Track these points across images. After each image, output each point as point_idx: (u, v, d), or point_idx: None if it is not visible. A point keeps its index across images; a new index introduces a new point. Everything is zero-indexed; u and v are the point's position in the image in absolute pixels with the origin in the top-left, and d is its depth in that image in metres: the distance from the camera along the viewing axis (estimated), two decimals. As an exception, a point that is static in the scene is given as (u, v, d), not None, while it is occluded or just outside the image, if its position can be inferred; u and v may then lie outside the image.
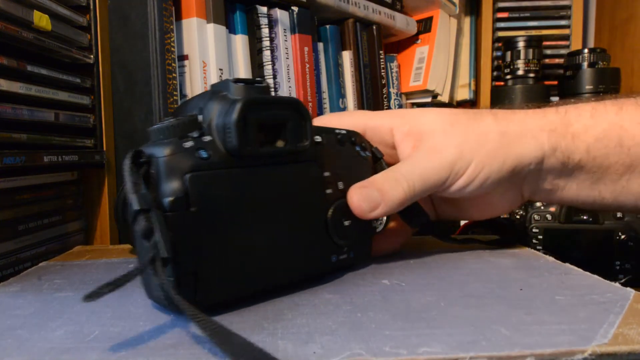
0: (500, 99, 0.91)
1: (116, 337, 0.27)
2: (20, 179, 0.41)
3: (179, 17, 0.59)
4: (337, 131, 0.38)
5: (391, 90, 0.93)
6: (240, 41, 0.64)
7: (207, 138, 0.30)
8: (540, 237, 0.61)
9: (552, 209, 0.61)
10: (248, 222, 0.31)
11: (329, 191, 0.36)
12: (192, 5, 0.59)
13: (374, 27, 0.85)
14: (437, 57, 0.97)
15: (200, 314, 0.26)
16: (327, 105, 0.76)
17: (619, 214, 0.60)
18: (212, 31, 0.60)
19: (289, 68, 0.68)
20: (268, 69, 0.66)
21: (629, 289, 0.33)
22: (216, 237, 0.30)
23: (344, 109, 0.79)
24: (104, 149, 0.55)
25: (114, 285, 0.27)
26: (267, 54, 0.66)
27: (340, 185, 0.37)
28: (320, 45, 0.76)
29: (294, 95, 0.69)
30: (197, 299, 0.28)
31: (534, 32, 0.99)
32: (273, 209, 0.32)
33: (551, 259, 0.43)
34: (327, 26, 0.78)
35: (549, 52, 0.99)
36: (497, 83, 0.99)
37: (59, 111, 0.48)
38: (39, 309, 0.31)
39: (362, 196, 0.36)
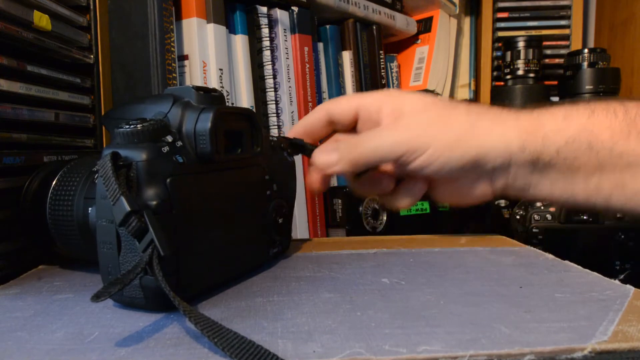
0: (500, 99, 0.91)
1: (116, 338, 0.27)
2: (21, 179, 0.41)
3: (179, 17, 0.59)
4: (270, 137, 0.43)
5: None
6: (240, 41, 0.64)
7: (179, 143, 0.32)
8: (540, 237, 0.61)
9: (552, 209, 0.61)
10: (215, 222, 0.34)
11: (268, 192, 0.40)
12: (192, 5, 0.59)
13: (374, 27, 0.85)
14: (437, 57, 0.97)
15: (198, 312, 0.26)
16: (327, 106, 0.76)
17: (618, 214, 0.60)
18: (212, 31, 0.60)
19: (289, 68, 0.68)
20: (268, 69, 0.66)
21: (628, 286, 0.33)
22: (192, 237, 0.32)
23: (344, 109, 0.78)
24: (104, 149, 0.54)
25: (120, 284, 0.27)
26: (267, 54, 0.66)
27: (275, 187, 0.41)
28: (320, 45, 0.76)
29: (294, 95, 0.69)
30: (180, 296, 0.29)
31: (534, 32, 0.99)
32: (232, 209, 0.36)
33: (551, 256, 0.43)
34: (327, 26, 0.78)
35: (549, 52, 0.99)
36: (497, 83, 0.99)
37: (59, 111, 0.48)
38: (38, 311, 0.31)
39: (324, 155, 0.43)
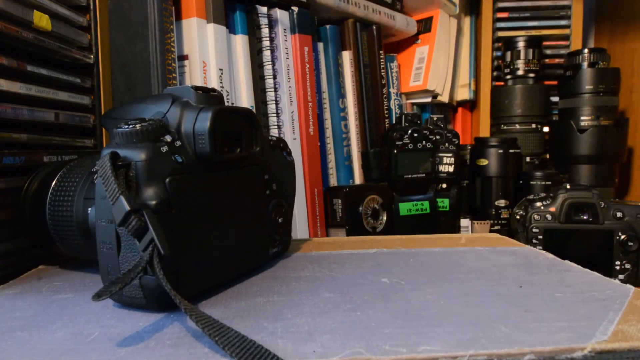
0: (500, 99, 0.91)
1: (116, 337, 0.27)
2: (21, 179, 0.41)
3: (179, 17, 0.59)
4: (269, 137, 0.43)
5: (391, 90, 0.93)
6: (240, 41, 0.64)
7: (178, 143, 0.32)
8: (540, 237, 0.61)
9: (552, 209, 0.61)
10: (214, 221, 0.34)
11: (267, 192, 0.40)
12: (192, 5, 0.59)
13: (374, 27, 0.85)
14: (437, 57, 0.97)
15: (199, 311, 0.26)
16: (327, 106, 0.76)
17: (618, 214, 0.60)
18: (212, 31, 0.60)
19: (289, 68, 0.68)
20: (268, 69, 0.66)
21: (628, 285, 0.33)
22: (191, 236, 0.32)
23: (344, 109, 0.79)
24: (104, 149, 0.54)
25: (121, 283, 0.27)
26: (267, 54, 0.66)
27: (274, 186, 0.41)
28: (320, 45, 0.76)
29: (294, 95, 0.69)
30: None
31: (534, 32, 0.99)
32: (231, 208, 0.36)
33: (551, 256, 0.43)
34: (327, 26, 0.78)
35: (549, 52, 0.99)
36: (497, 83, 0.99)
37: (59, 111, 0.48)
38: (39, 311, 0.31)
39: None
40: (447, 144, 0.76)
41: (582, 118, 0.85)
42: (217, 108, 0.33)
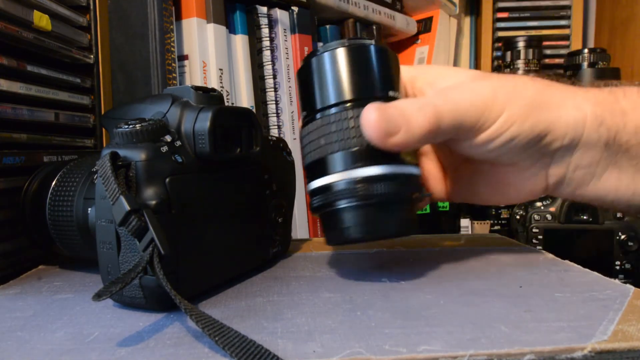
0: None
1: (116, 337, 0.27)
2: (21, 179, 0.41)
3: (179, 17, 0.59)
4: (269, 137, 0.43)
5: (391, 90, 0.93)
6: (240, 41, 0.64)
7: (178, 143, 0.32)
8: (540, 237, 0.61)
9: (552, 209, 0.61)
10: (214, 221, 0.34)
11: (267, 192, 0.40)
12: (192, 5, 0.59)
13: (374, 27, 0.85)
14: (437, 57, 0.97)
15: (200, 311, 0.26)
16: (327, 106, 0.76)
17: (618, 214, 0.60)
18: (212, 31, 0.60)
19: (289, 68, 0.68)
20: (268, 69, 0.66)
21: (628, 285, 0.33)
22: (191, 236, 0.32)
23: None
24: (104, 149, 0.54)
25: (121, 283, 0.27)
26: (267, 54, 0.66)
27: (274, 186, 0.41)
28: (320, 45, 0.76)
29: (294, 95, 0.69)
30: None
31: (534, 32, 0.99)
32: (231, 208, 0.36)
33: (551, 256, 0.43)
34: (327, 26, 0.78)
35: (549, 52, 0.99)
36: (497, 83, 0.99)
37: (59, 111, 0.48)
38: (38, 311, 0.31)
39: (381, 115, 0.30)
40: (447, 144, 0.76)
41: (582, 118, 0.85)
42: (217, 108, 0.33)
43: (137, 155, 0.29)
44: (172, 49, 0.56)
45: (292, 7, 0.69)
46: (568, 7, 1.00)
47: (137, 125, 0.30)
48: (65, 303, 0.33)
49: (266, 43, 0.66)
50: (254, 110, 0.65)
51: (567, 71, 0.89)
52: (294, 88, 0.69)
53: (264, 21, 0.66)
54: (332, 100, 0.32)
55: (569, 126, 0.32)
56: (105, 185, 0.28)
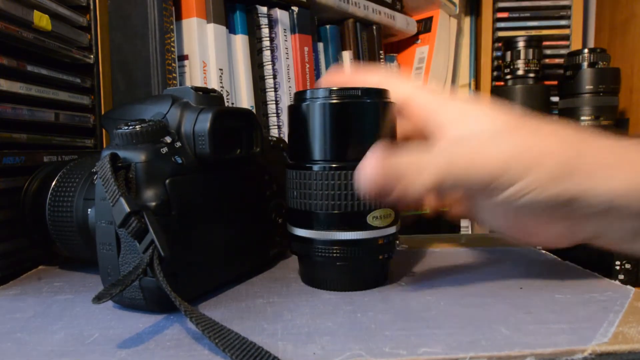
0: (500, 99, 0.91)
1: (116, 339, 0.27)
2: (21, 179, 0.41)
3: (179, 17, 0.59)
4: (270, 137, 0.43)
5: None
6: (240, 41, 0.64)
7: (178, 144, 0.32)
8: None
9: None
10: (214, 222, 0.34)
11: (268, 192, 0.40)
12: (192, 5, 0.59)
13: (374, 27, 0.85)
14: (437, 57, 0.97)
15: (199, 313, 0.26)
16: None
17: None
18: (212, 31, 0.60)
19: (289, 68, 0.68)
20: (268, 69, 0.66)
21: (628, 287, 0.33)
22: (191, 238, 0.32)
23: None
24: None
25: (121, 285, 0.27)
26: (267, 54, 0.66)
27: (275, 187, 0.41)
28: (320, 45, 0.76)
29: (294, 95, 0.69)
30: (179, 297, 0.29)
31: (534, 32, 0.99)
32: (232, 209, 0.36)
33: (551, 256, 0.43)
34: (327, 26, 0.78)
35: (549, 52, 0.99)
36: (497, 83, 0.99)
37: (59, 111, 0.48)
38: (39, 312, 0.31)
39: (379, 171, 0.29)
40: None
41: (582, 118, 0.85)
42: (217, 109, 0.33)
43: (137, 157, 0.29)
44: (172, 49, 0.56)
45: (292, 7, 0.69)
46: (568, 7, 1.00)
47: (137, 127, 0.30)
48: (66, 304, 0.33)
49: (266, 43, 0.66)
50: (254, 110, 0.65)
51: (567, 71, 0.89)
52: (294, 88, 0.69)
53: (264, 21, 0.66)
54: (318, 156, 0.33)
55: (602, 196, 0.29)
56: (105, 186, 0.28)
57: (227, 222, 0.35)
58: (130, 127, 0.30)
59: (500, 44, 0.98)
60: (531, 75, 0.90)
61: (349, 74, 0.39)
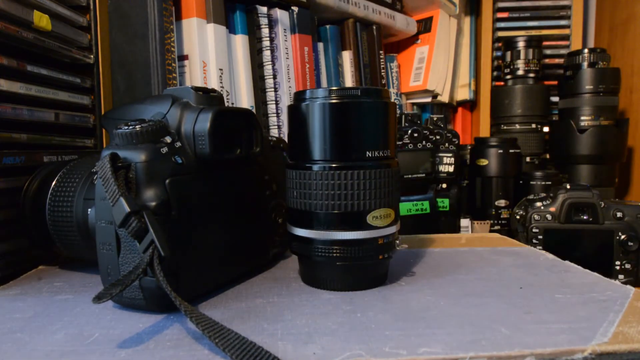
0: (500, 99, 0.91)
1: (116, 339, 0.27)
2: (21, 179, 0.41)
3: (179, 17, 0.59)
4: (270, 137, 0.43)
5: (391, 90, 0.93)
6: (240, 41, 0.64)
7: (178, 144, 0.32)
8: (540, 237, 0.61)
9: (552, 209, 0.61)
10: (214, 222, 0.34)
11: (268, 192, 0.40)
12: (192, 5, 0.59)
13: (374, 27, 0.85)
14: (437, 57, 0.97)
15: (200, 313, 0.26)
16: (327, 105, 0.76)
17: (618, 214, 0.60)
18: (212, 31, 0.60)
19: (289, 68, 0.68)
20: (268, 69, 0.66)
21: (628, 286, 0.33)
22: (191, 238, 0.32)
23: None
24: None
25: (121, 285, 0.27)
26: (267, 54, 0.66)
27: (275, 186, 0.41)
28: (320, 45, 0.76)
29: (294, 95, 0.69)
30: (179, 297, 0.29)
31: (534, 32, 0.99)
32: (232, 209, 0.36)
33: (551, 256, 0.43)
34: (327, 26, 0.78)
35: (549, 52, 0.99)
36: (497, 83, 0.99)
37: (59, 111, 0.48)
38: (39, 312, 0.31)
39: None
40: (447, 144, 0.76)
41: (582, 118, 0.85)
42: (217, 109, 0.33)
43: (137, 157, 0.29)
44: (172, 49, 0.56)
45: (292, 7, 0.69)
46: (568, 7, 1.00)
47: (137, 127, 0.30)
48: (66, 304, 0.33)
49: (266, 43, 0.66)
50: (254, 110, 0.65)
51: (567, 71, 0.89)
52: (294, 88, 0.69)
53: (264, 21, 0.66)
54: (318, 156, 0.33)
55: None
56: (105, 186, 0.28)
57: (227, 222, 0.35)
58: (130, 127, 0.30)
59: (500, 44, 0.98)
60: (531, 75, 0.90)
61: None
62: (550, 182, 0.76)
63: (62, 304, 0.33)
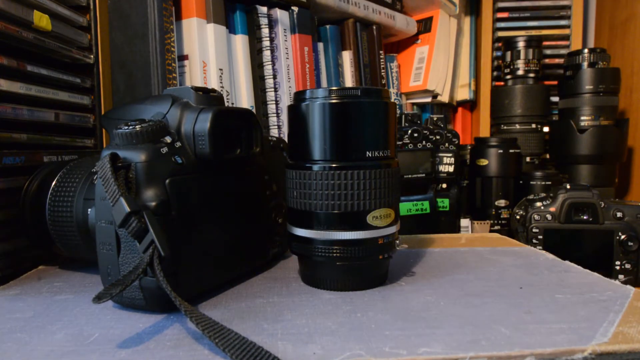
0: (500, 99, 0.91)
1: (116, 339, 0.27)
2: (21, 179, 0.41)
3: (179, 17, 0.59)
4: (270, 137, 0.43)
5: (391, 90, 0.93)
6: (240, 41, 0.64)
7: (178, 144, 0.32)
8: (540, 237, 0.61)
9: (552, 209, 0.61)
10: (214, 222, 0.34)
11: (268, 192, 0.40)
12: (192, 5, 0.59)
13: (374, 27, 0.85)
14: (437, 57, 0.97)
15: (200, 313, 0.26)
16: (327, 105, 0.76)
17: (618, 214, 0.60)
18: (212, 31, 0.60)
19: (289, 68, 0.68)
20: (268, 69, 0.66)
21: (628, 286, 0.33)
22: (191, 238, 0.32)
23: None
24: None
25: (121, 285, 0.27)
26: (267, 54, 0.66)
27: (275, 187, 0.41)
28: (320, 45, 0.76)
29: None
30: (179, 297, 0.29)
31: (534, 32, 0.99)
32: (232, 209, 0.36)
33: (551, 256, 0.43)
34: (327, 26, 0.78)
35: (549, 52, 0.99)
36: (497, 83, 0.99)
37: (59, 111, 0.48)
38: (38, 312, 0.31)
39: None
40: (447, 144, 0.76)
41: (582, 118, 0.85)
42: (217, 109, 0.33)
43: (137, 157, 0.29)
44: (172, 49, 0.56)
45: (292, 7, 0.69)
46: (568, 7, 1.00)
47: (137, 127, 0.30)
48: (66, 304, 0.33)
49: (266, 43, 0.66)
50: (254, 110, 0.65)
51: (567, 71, 0.89)
52: (294, 88, 0.69)
53: (264, 21, 0.66)
54: (318, 156, 0.33)
55: None
56: (105, 186, 0.28)
57: (227, 222, 0.35)
58: (130, 127, 0.30)
59: (500, 44, 0.98)
60: (531, 75, 0.90)
61: None
62: (550, 182, 0.76)
63: (62, 304, 0.33)
